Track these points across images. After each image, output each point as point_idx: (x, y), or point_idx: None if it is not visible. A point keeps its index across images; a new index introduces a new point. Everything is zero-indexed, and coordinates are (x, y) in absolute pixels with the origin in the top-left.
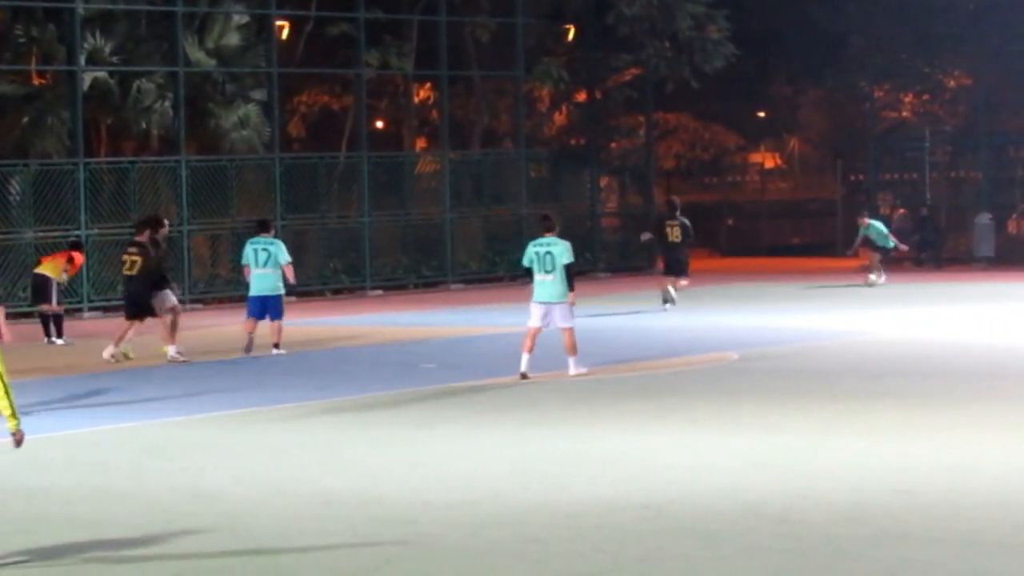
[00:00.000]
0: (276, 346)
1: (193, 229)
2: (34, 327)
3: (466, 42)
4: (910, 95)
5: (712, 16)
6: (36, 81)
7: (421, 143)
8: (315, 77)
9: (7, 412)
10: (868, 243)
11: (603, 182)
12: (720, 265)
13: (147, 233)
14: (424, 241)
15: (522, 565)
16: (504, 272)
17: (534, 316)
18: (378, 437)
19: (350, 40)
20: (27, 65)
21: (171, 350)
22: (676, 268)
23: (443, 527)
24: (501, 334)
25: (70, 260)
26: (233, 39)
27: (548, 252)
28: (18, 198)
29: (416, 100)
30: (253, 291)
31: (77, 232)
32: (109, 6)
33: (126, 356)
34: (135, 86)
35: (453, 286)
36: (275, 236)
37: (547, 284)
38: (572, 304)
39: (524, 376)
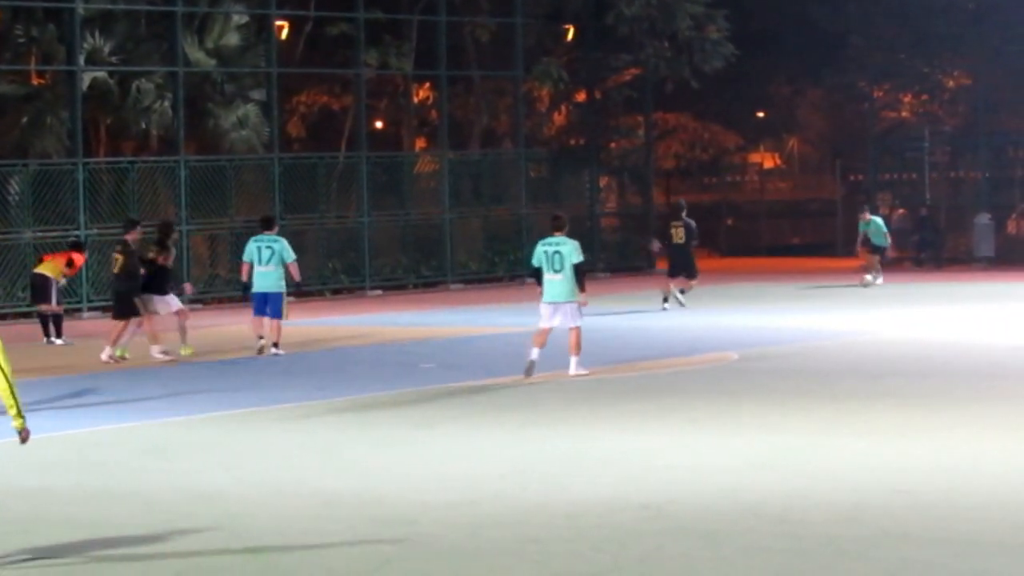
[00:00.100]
0: (275, 345)
1: (192, 229)
2: (33, 327)
3: (466, 42)
4: (909, 95)
5: (711, 16)
6: (35, 81)
7: (420, 143)
8: (314, 77)
9: (12, 411)
10: (866, 242)
11: (602, 182)
12: (720, 265)
13: (134, 232)
14: (423, 241)
15: (522, 565)
16: (503, 272)
17: (544, 316)
18: (378, 437)
19: (349, 40)
20: (27, 65)
21: (154, 350)
22: (680, 269)
23: (442, 527)
24: (500, 334)
25: (70, 263)
26: (232, 39)
27: (557, 251)
28: (17, 198)
29: (415, 100)
30: (256, 288)
31: (76, 232)
32: (109, 6)
33: (122, 357)
34: (134, 86)
35: (452, 286)
36: (279, 234)
37: (556, 284)
38: (584, 304)
39: (532, 364)
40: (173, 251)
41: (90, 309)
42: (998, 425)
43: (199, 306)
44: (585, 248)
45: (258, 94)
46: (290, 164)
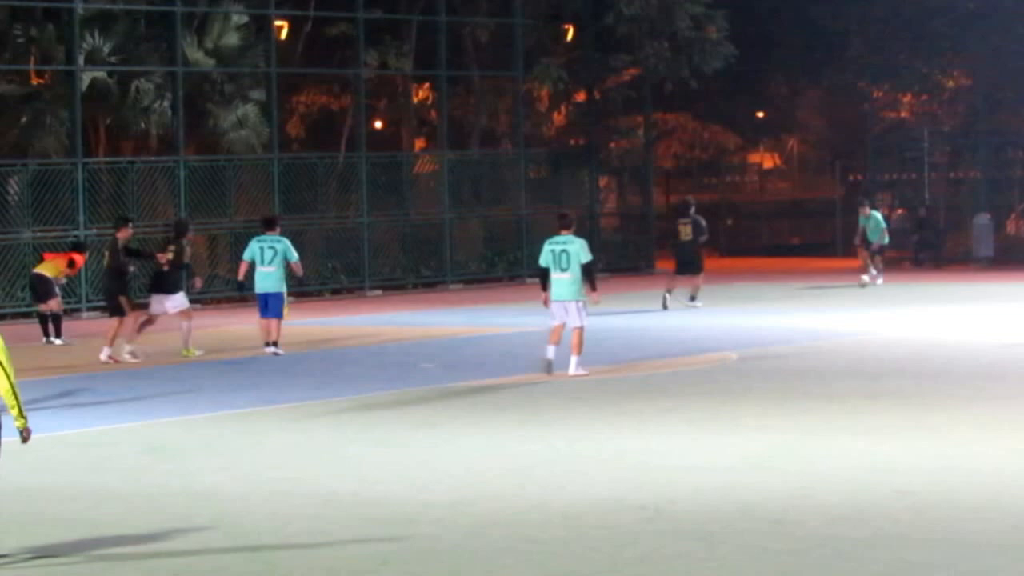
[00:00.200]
0: (275, 344)
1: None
2: (33, 327)
3: (465, 42)
4: (909, 95)
5: (711, 16)
6: (35, 81)
7: (420, 143)
8: (314, 77)
9: (14, 411)
10: (864, 241)
11: (602, 182)
12: (719, 265)
13: (126, 230)
14: (423, 241)
15: (520, 565)
16: (503, 272)
17: (556, 315)
18: (376, 437)
19: (349, 40)
20: (26, 65)
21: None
22: (686, 267)
23: (441, 527)
24: (500, 334)
25: (71, 264)
26: (232, 39)
27: (564, 250)
28: (16, 198)
29: (415, 100)
30: (258, 289)
31: (76, 232)
32: (108, 6)
33: (133, 355)
34: (134, 86)
35: (452, 286)
36: (280, 234)
37: (563, 282)
38: (596, 302)
39: (549, 363)
40: (189, 250)
41: (90, 309)
42: (997, 425)
43: (198, 306)
44: None
45: (257, 94)
46: (289, 164)
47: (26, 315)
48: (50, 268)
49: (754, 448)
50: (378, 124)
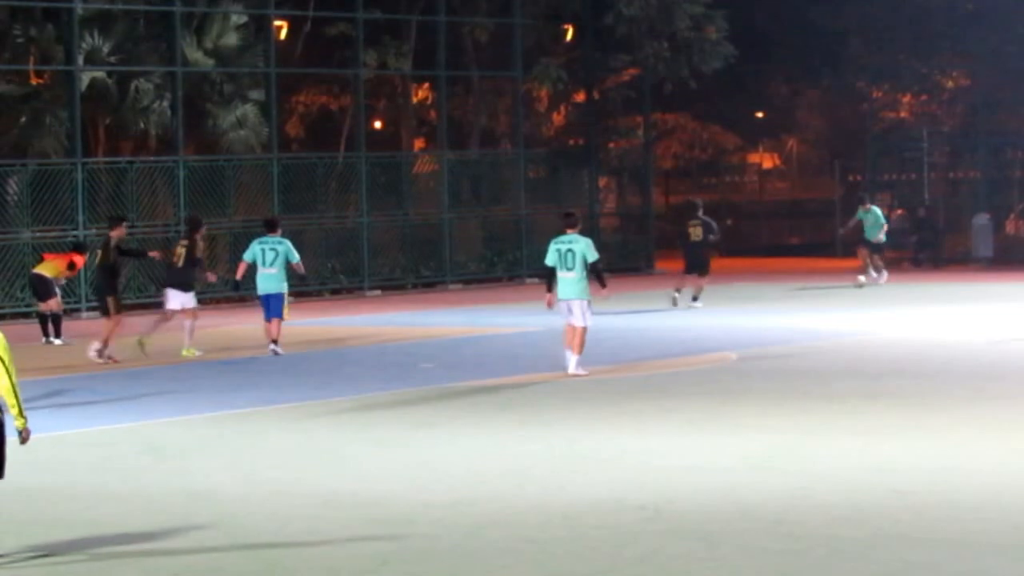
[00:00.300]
0: (275, 343)
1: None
2: (33, 327)
3: (464, 42)
4: (908, 96)
5: (710, 16)
6: (34, 81)
7: (419, 143)
8: (313, 77)
9: (14, 410)
10: (863, 241)
11: (602, 182)
12: (719, 265)
13: (120, 229)
14: (422, 241)
15: (520, 565)
16: (502, 272)
17: (564, 313)
18: (376, 437)
19: (348, 40)
20: (25, 65)
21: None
22: (694, 267)
23: (441, 527)
24: (499, 334)
25: (71, 266)
26: (231, 39)
27: (570, 249)
28: (16, 198)
29: (414, 100)
30: (260, 290)
31: (75, 232)
32: (107, 6)
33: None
34: (133, 86)
35: (451, 286)
36: (281, 235)
37: (569, 281)
38: (607, 297)
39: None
40: (202, 244)
41: (89, 309)
42: (997, 425)
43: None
44: None
45: (257, 94)
46: (289, 164)
47: (25, 315)
48: (50, 268)
49: (754, 448)
50: (377, 124)
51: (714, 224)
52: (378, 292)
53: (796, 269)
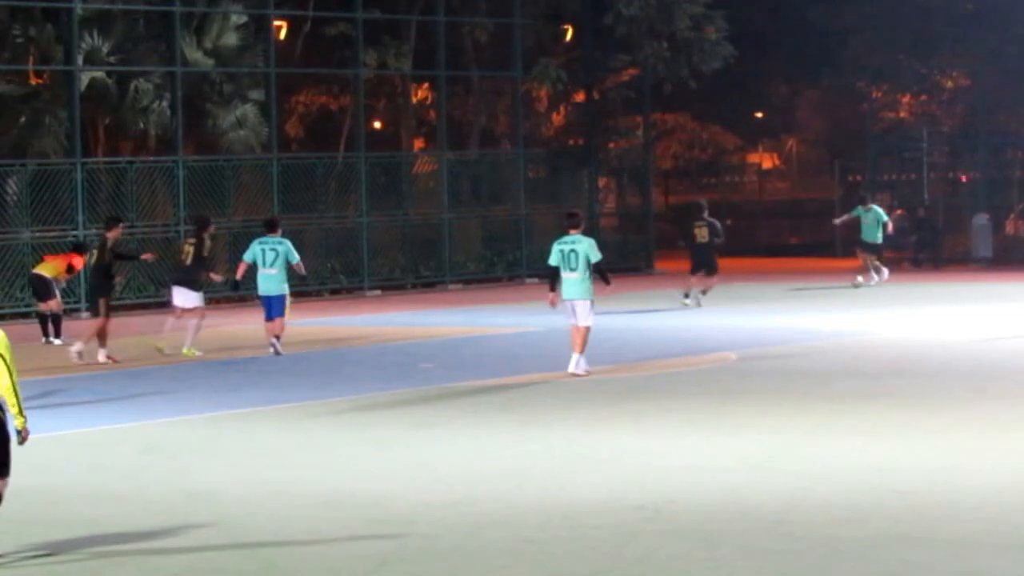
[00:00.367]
0: (277, 338)
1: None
2: (32, 327)
3: (464, 42)
4: (908, 96)
5: (710, 17)
6: (34, 81)
7: (419, 143)
8: (313, 77)
9: (14, 410)
10: (859, 242)
11: (601, 182)
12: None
13: (116, 230)
14: (422, 241)
15: (519, 566)
16: (502, 272)
17: (568, 313)
18: (376, 437)
19: (348, 40)
20: (25, 65)
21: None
22: (700, 266)
23: (440, 527)
24: (499, 334)
25: (69, 269)
26: (231, 39)
27: (573, 250)
28: (15, 198)
29: (414, 100)
30: (261, 291)
31: (75, 232)
32: (107, 6)
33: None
34: (133, 86)
35: (451, 286)
36: (282, 236)
37: (572, 282)
38: (608, 296)
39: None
40: (209, 243)
41: (89, 309)
42: (996, 425)
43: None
44: None
45: (256, 94)
46: (288, 164)
47: (25, 315)
48: (49, 268)
49: (754, 448)
50: (377, 124)
51: (719, 226)
52: (378, 292)
53: (796, 269)
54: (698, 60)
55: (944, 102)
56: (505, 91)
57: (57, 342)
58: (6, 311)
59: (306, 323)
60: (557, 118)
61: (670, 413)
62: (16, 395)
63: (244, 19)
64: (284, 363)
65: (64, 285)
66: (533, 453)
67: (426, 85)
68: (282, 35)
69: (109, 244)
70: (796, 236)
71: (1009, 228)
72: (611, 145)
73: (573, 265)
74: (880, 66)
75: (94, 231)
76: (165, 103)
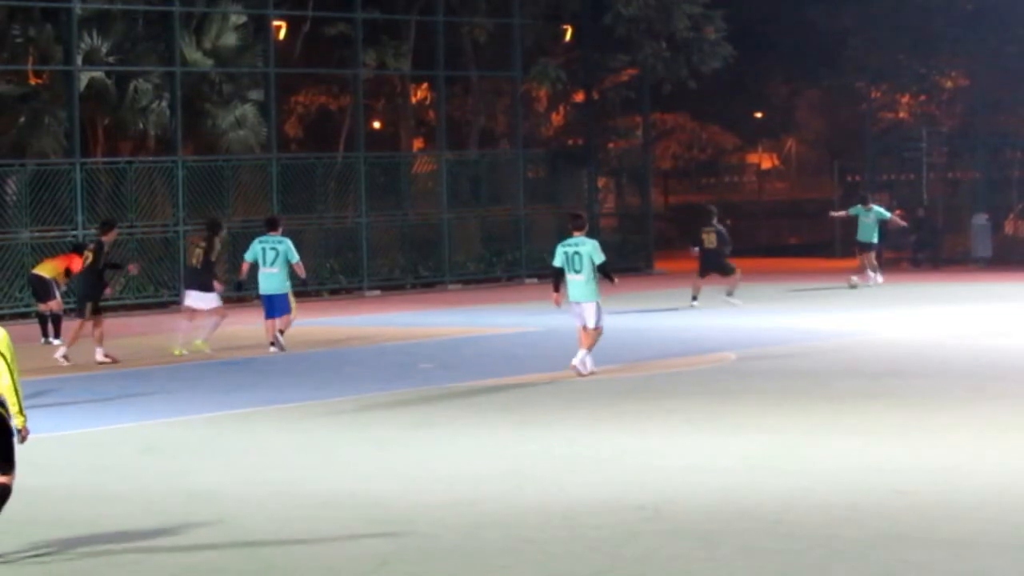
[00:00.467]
0: (280, 333)
1: (189, 229)
2: (32, 327)
3: (463, 42)
4: (907, 96)
5: (709, 17)
6: (33, 81)
7: (418, 143)
8: (312, 77)
9: (14, 408)
10: (857, 243)
11: (601, 183)
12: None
13: (111, 234)
14: (421, 241)
15: (519, 566)
16: (501, 272)
17: (576, 315)
18: (375, 437)
19: (347, 40)
20: (24, 65)
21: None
22: (710, 270)
23: (440, 528)
24: (499, 334)
25: (67, 273)
26: (230, 39)
27: (576, 252)
28: (14, 198)
29: (413, 100)
30: (262, 290)
31: (74, 232)
32: (106, 6)
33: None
34: (132, 86)
35: (450, 286)
36: (283, 234)
37: (577, 284)
38: (611, 294)
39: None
40: (218, 247)
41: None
42: (996, 425)
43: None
44: None
45: (256, 94)
46: (288, 164)
47: (24, 315)
48: (48, 269)
49: (754, 448)
50: (376, 124)
51: (727, 234)
52: (377, 292)
53: (795, 269)
54: (697, 60)
55: (943, 102)
56: (504, 91)
57: (56, 342)
58: (5, 311)
59: (306, 323)
60: (556, 118)
61: (669, 413)
62: (17, 394)
63: (243, 19)
64: (284, 363)
65: (64, 288)
66: (533, 453)
67: (425, 85)
68: (281, 35)
69: (105, 248)
70: (795, 236)
71: (1008, 228)
72: (610, 145)
73: (577, 267)
74: (879, 66)
75: (93, 231)
76: (164, 103)
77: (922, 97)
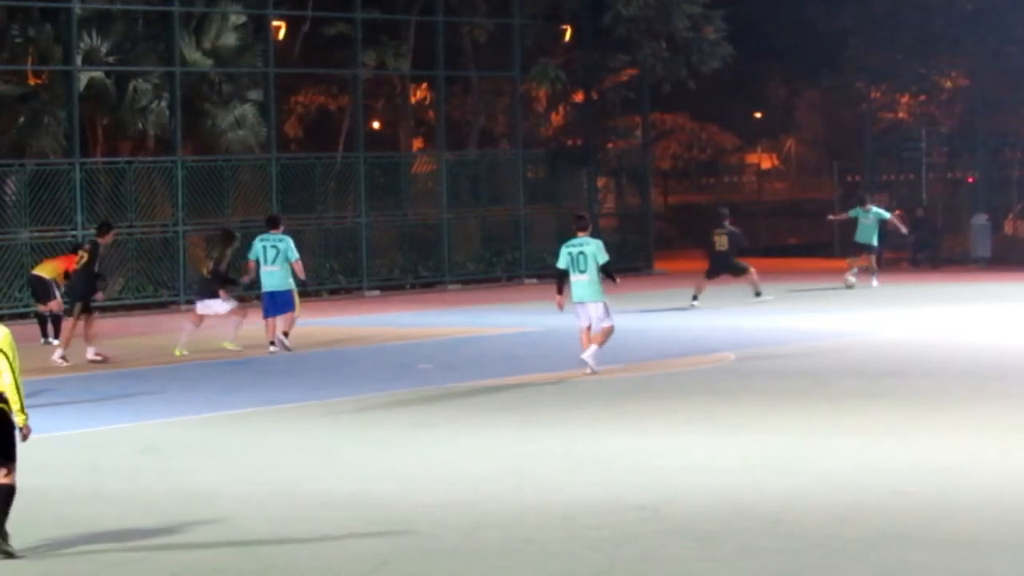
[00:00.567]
0: (285, 334)
1: (188, 229)
2: (31, 327)
3: (463, 42)
4: (907, 96)
5: (709, 17)
6: (32, 81)
7: (418, 143)
8: (312, 77)
9: (16, 407)
10: (856, 245)
11: (600, 183)
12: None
13: (108, 236)
14: (421, 242)
15: (519, 566)
16: (501, 273)
17: (580, 316)
18: (375, 438)
19: (347, 40)
20: (23, 65)
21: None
22: (722, 271)
23: (440, 528)
24: (498, 335)
25: (66, 275)
26: (230, 39)
27: (581, 252)
28: (14, 198)
29: (413, 100)
30: (264, 288)
31: (74, 232)
32: (106, 6)
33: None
34: (131, 86)
35: (450, 287)
36: (284, 233)
37: (582, 284)
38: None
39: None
40: (229, 257)
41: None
42: (995, 425)
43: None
44: None
45: (255, 94)
46: (287, 164)
47: (23, 315)
48: (48, 269)
49: (754, 448)
50: (376, 124)
51: (740, 236)
52: (377, 292)
53: (795, 269)
54: (697, 60)
55: (943, 102)
56: (504, 91)
57: (56, 342)
58: (4, 311)
59: (305, 323)
60: (556, 118)
61: (669, 413)
62: (18, 392)
63: (243, 19)
64: (284, 363)
65: (64, 288)
66: (532, 453)
67: (425, 85)
68: (281, 35)
69: (100, 250)
70: (795, 236)
71: (1008, 228)
72: (610, 145)
73: (582, 267)
74: (879, 66)
75: (93, 231)
76: (164, 103)
77: (922, 97)
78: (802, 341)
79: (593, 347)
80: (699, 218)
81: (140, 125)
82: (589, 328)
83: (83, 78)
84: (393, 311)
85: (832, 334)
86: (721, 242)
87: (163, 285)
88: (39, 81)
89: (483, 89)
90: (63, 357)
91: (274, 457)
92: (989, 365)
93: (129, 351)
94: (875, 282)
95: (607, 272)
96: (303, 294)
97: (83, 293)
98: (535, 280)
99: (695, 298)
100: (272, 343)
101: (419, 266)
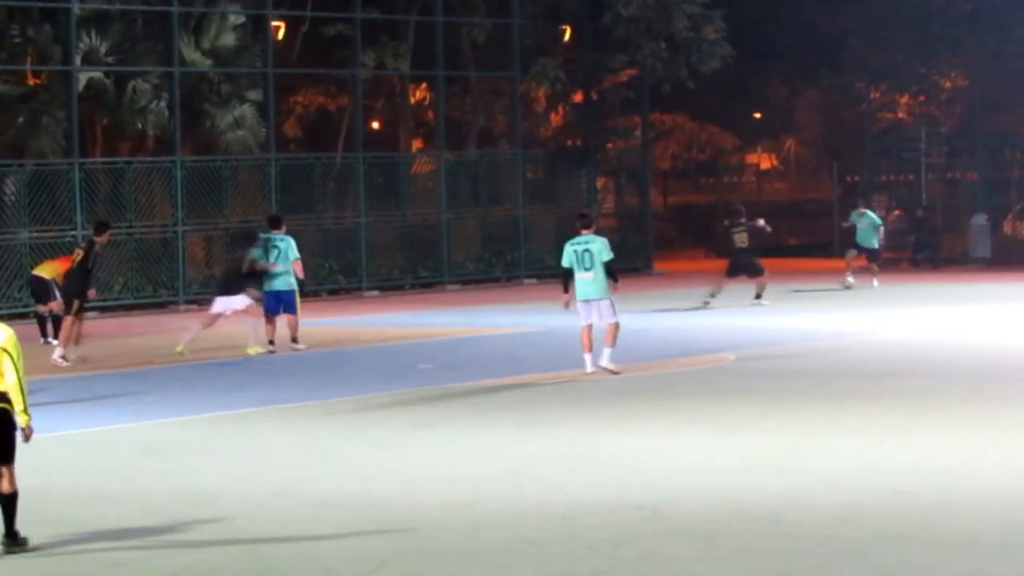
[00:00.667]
0: (294, 340)
1: (188, 229)
2: (30, 327)
3: (462, 42)
4: (906, 96)
5: (708, 17)
6: (32, 81)
7: (417, 144)
8: (311, 77)
9: (19, 407)
10: (857, 247)
11: (600, 183)
12: (716, 266)
13: (105, 235)
14: (421, 242)
15: (519, 566)
16: (500, 273)
17: (582, 315)
18: (375, 438)
19: (346, 40)
20: (23, 65)
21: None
22: (739, 270)
23: (440, 528)
24: (498, 335)
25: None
26: (229, 39)
27: (586, 250)
28: (13, 198)
29: (412, 101)
30: (266, 287)
31: (73, 232)
32: (105, 6)
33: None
34: (131, 86)
35: (450, 287)
36: (286, 232)
37: (588, 282)
38: (614, 294)
39: (591, 372)
40: (248, 259)
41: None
42: (995, 425)
43: (195, 307)
44: None
45: (254, 94)
46: (287, 165)
47: (23, 316)
48: (48, 270)
49: (754, 448)
50: (375, 124)
51: (760, 224)
52: (376, 292)
53: (795, 269)
54: (696, 60)
55: (943, 102)
56: (503, 91)
57: (55, 342)
58: (3, 312)
59: (305, 323)
60: (555, 118)
61: (669, 414)
62: (22, 392)
63: (242, 19)
64: (284, 363)
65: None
66: (532, 453)
67: (424, 85)
68: (280, 35)
69: (96, 248)
70: (795, 236)
71: (1007, 228)
72: (609, 145)
73: (588, 265)
74: (879, 66)
75: (91, 231)
76: (163, 103)
77: (921, 97)
78: (802, 341)
79: (607, 349)
80: (698, 219)
81: (139, 125)
82: (590, 327)
83: (82, 78)
84: (393, 311)
85: (832, 334)
86: (742, 239)
87: (162, 285)
88: (38, 81)
89: (482, 89)
90: (63, 357)
91: (274, 457)
92: (989, 365)
93: (128, 351)
94: (875, 282)
95: (610, 271)
96: (302, 294)
97: (78, 291)
98: (534, 280)
99: (712, 295)
100: (271, 342)
101: (418, 266)
